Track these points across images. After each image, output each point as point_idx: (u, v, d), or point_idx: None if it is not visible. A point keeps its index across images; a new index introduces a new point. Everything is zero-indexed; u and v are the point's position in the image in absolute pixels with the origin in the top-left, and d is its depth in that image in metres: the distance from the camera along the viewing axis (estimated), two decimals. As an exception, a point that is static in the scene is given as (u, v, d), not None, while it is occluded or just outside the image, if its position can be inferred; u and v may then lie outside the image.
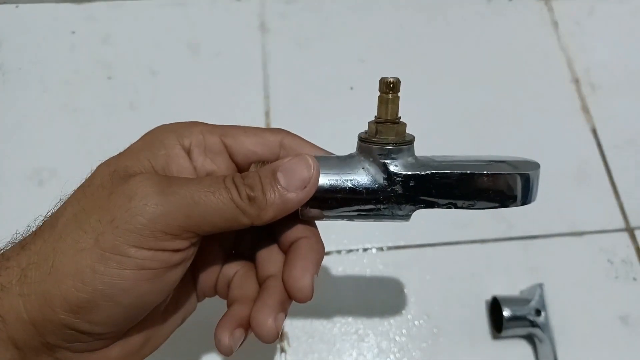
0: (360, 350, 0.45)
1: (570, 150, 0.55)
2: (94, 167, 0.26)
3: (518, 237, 0.50)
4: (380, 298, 0.47)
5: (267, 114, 0.54)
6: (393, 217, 0.27)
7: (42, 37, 0.58)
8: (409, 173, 0.26)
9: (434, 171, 0.26)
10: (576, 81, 0.59)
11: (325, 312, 0.46)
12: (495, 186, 0.26)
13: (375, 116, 0.28)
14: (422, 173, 0.26)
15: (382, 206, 0.27)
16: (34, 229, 0.25)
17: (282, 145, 0.28)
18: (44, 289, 0.23)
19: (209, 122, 0.29)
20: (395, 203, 0.26)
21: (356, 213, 0.27)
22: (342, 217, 0.28)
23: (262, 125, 0.54)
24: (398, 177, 0.26)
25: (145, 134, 0.27)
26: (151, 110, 0.54)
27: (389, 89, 0.27)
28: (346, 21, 0.61)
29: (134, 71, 0.56)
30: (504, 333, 0.44)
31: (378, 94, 0.27)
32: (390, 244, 0.49)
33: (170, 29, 0.59)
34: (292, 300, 0.27)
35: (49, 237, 0.24)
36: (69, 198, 0.25)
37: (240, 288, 0.29)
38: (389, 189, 0.26)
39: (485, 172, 0.25)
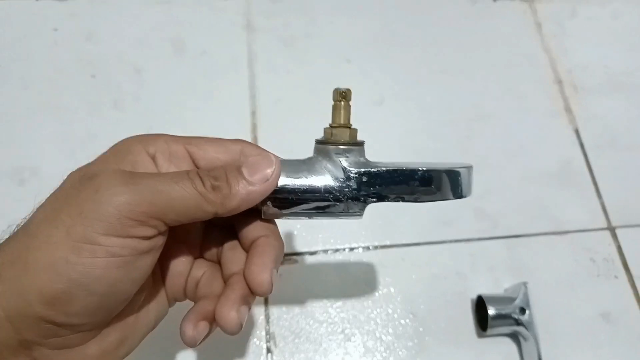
0: (347, 349, 0.45)
1: (554, 151, 0.56)
2: (67, 173, 0.27)
3: (502, 236, 0.51)
4: (366, 297, 0.47)
5: (253, 114, 0.54)
6: (348, 212, 0.30)
7: (23, 34, 0.57)
8: (362, 170, 0.29)
9: (383, 168, 0.29)
10: (559, 82, 0.60)
11: (312, 311, 0.46)
12: (430, 180, 0.29)
13: (330, 123, 0.31)
14: (373, 170, 0.29)
15: (338, 202, 0.29)
16: (8, 235, 0.25)
17: (243, 153, 0.29)
18: (19, 284, 0.23)
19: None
20: (349, 198, 0.29)
21: (314, 210, 0.29)
22: (301, 215, 0.30)
23: (248, 125, 0.53)
24: (352, 173, 0.29)
25: (113, 145, 0.28)
26: (135, 109, 0.54)
27: (342, 97, 0.30)
28: (332, 21, 0.61)
29: (118, 69, 0.56)
30: (489, 331, 0.44)
31: (332, 102, 0.31)
32: (376, 243, 0.49)
33: (154, 27, 0.58)
34: (254, 294, 0.29)
35: (22, 238, 0.24)
36: (41, 204, 0.26)
37: (207, 287, 0.31)
38: (344, 185, 0.29)
39: (419, 168, 0.29)
